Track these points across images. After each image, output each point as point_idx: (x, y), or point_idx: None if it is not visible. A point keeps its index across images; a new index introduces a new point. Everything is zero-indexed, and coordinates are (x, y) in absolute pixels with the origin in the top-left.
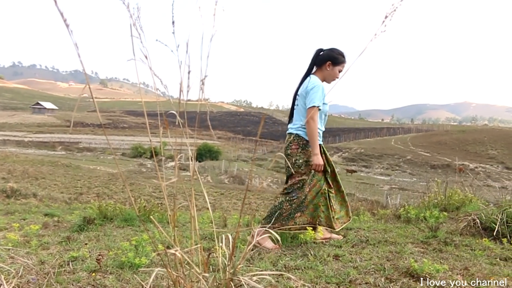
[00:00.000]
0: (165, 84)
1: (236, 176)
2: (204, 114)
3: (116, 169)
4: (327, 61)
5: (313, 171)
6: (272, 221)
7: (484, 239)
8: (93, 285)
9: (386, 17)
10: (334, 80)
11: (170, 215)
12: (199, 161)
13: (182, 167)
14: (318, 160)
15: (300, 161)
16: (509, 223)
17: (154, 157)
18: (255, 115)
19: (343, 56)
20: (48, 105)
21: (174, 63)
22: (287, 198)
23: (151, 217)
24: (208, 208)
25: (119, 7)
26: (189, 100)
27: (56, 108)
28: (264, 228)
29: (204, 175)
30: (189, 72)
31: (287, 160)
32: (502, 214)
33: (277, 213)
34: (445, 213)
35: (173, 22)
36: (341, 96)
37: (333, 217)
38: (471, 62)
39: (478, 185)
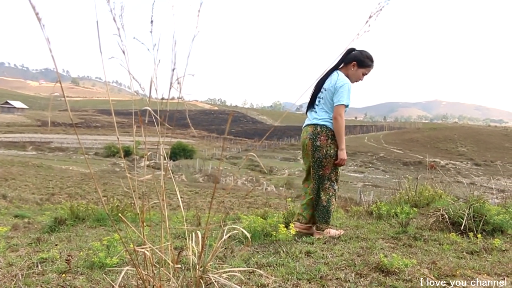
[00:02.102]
0: (140, 82)
1: (210, 174)
2: (178, 113)
3: (89, 169)
4: (353, 61)
5: (335, 172)
6: (329, 218)
7: (452, 233)
8: (62, 286)
9: (370, 17)
10: (356, 81)
11: (139, 215)
12: (174, 160)
13: (156, 166)
14: (344, 155)
15: (331, 151)
16: (476, 218)
17: (122, 156)
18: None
19: (371, 61)
20: (17, 104)
21: (150, 61)
22: (333, 193)
23: (120, 215)
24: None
25: (91, 4)
26: (163, 99)
27: (26, 107)
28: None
29: (178, 174)
30: (173, 70)
31: (317, 151)
32: (469, 209)
33: (329, 210)
34: (416, 209)
35: (151, 22)
36: None
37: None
38: (442, 61)
39: (448, 181)
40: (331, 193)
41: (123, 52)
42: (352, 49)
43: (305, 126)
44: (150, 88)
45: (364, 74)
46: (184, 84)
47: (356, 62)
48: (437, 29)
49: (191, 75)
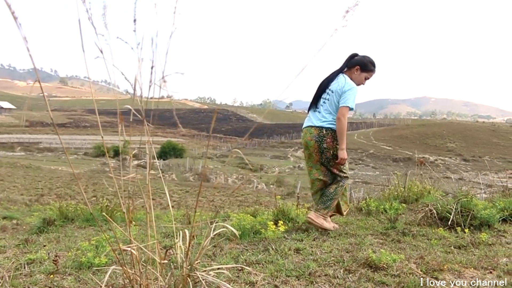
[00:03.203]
0: (128, 79)
1: (201, 173)
2: (168, 112)
3: (78, 169)
4: (356, 65)
5: (346, 166)
6: (329, 205)
7: (440, 228)
8: (50, 287)
9: (347, 11)
10: (359, 85)
11: (125, 213)
12: (164, 159)
13: (146, 165)
14: (344, 154)
15: (337, 151)
16: (463, 213)
17: (107, 155)
18: (220, 112)
19: (373, 66)
20: (5, 104)
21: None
22: (340, 184)
23: (104, 214)
24: (172, 206)
25: (75, 3)
26: (152, 98)
27: (14, 107)
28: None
29: (168, 173)
30: (152, 68)
31: (325, 152)
32: (456, 204)
33: (333, 199)
34: (405, 205)
35: (134, 20)
36: (305, 91)
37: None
38: (431, 57)
39: (437, 177)
40: (340, 185)
41: (101, 52)
42: (355, 54)
43: (308, 126)
44: (135, 86)
45: (366, 78)
46: (169, 82)
47: (359, 66)
48: (426, 26)
49: (180, 73)
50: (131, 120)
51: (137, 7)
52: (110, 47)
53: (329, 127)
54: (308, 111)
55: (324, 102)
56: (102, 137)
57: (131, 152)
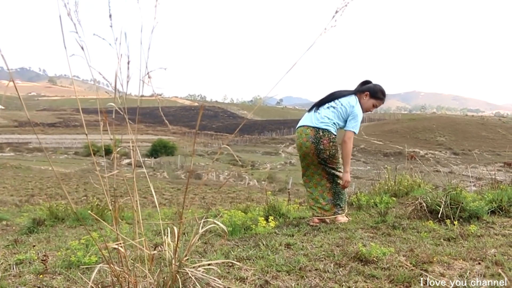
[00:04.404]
0: (106, 77)
1: (192, 171)
2: (158, 110)
3: (69, 169)
4: (367, 91)
5: (340, 160)
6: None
7: (429, 221)
8: (39, 287)
9: (336, 12)
10: (366, 111)
11: (112, 211)
12: (155, 157)
13: (137, 164)
14: (348, 177)
15: (333, 151)
16: (453, 205)
17: (93, 155)
18: (210, 109)
19: (383, 95)
20: None
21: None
22: (339, 182)
23: (90, 212)
24: (164, 204)
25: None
26: (142, 96)
27: (2, 107)
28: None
29: (160, 171)
30: (128, 63)
31: (321, 153)
32: (446, 197)
33: (343, 196)
34: (395, 199)
35: (110, 16)
36: (295, 88)
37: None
38: (420, 52)
39: (427, 171)
40: (339, 182)
41: (82, 49)
42: (368, 81)
43: (303, 126)
44: (115, 83)
45: (374, 106)
46: (157, 78)
47: (369, 92)
48: (415, 21)
49: (163, 68)
50: (113, 117)
51: (117, 2)
52: (85, 44)
53: (326, 129)
54: (308, 111)
55: (328, 108)
56: (86, 134)
57: (115, 150)
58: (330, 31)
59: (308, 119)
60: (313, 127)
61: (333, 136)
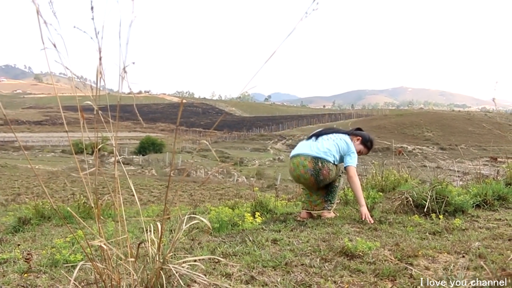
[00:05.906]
0: (75, 74)
1: (181, 168)
2: (146, 107)
3: (56, 167)
4: (359, 136)
5: (339, 172)
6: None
7: (415, 215)
8: (23, 286)
9: None
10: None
11: (94, 209)
12: (143, 155)
13: (125, 162)
14: (365, 210)
15: (333, 176)
16: (438, 200)
17: (74, 153)
18: (198, 106)
19: (371, 145)
20: None
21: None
22: (339, 178)
23: (69, 209)
24: (152, 202)
25: None
26: (130, 93)
27: None
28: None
29: (148, 169)
30: (100, 59)
31: (322, 183)
32: (432, 192)
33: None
34: (382, 194)
35: (92, 8)
36: (283, 84)
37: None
38: (407, 47)
39: (414, 166)
40: (341, 179)
41: (54, 45)
42: (360, 129)
43: (300, 156)
44: (97, 79)
45: (360, 152)
46: (150, 77)
47: (361, 138)
48: (402, 16)
49: (132, 63)
50: (94, 114)
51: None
52: (62, 37)
53: (326, 159)
54: (306, 140)
55: (327, 139)
56: (66, 132)
57: (96, 148)
58: (312, 16)
59: (307, 148)
60: (313, 156)
61: (331, 164)
